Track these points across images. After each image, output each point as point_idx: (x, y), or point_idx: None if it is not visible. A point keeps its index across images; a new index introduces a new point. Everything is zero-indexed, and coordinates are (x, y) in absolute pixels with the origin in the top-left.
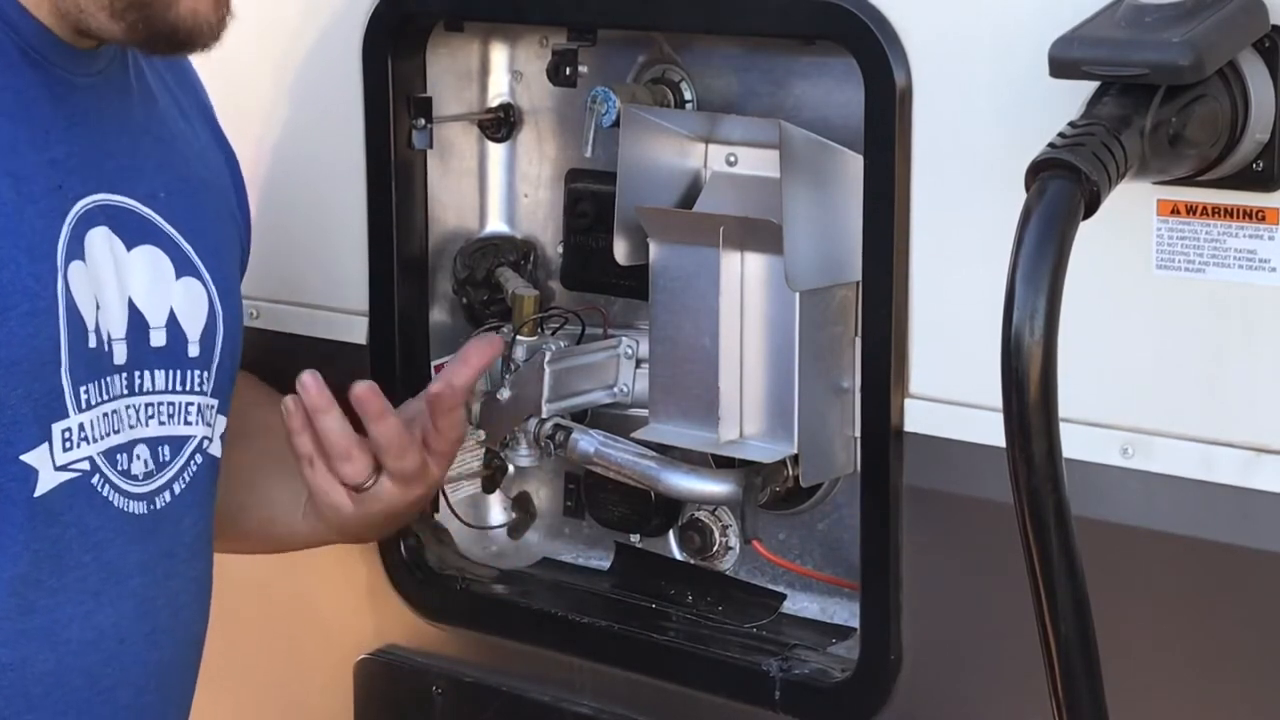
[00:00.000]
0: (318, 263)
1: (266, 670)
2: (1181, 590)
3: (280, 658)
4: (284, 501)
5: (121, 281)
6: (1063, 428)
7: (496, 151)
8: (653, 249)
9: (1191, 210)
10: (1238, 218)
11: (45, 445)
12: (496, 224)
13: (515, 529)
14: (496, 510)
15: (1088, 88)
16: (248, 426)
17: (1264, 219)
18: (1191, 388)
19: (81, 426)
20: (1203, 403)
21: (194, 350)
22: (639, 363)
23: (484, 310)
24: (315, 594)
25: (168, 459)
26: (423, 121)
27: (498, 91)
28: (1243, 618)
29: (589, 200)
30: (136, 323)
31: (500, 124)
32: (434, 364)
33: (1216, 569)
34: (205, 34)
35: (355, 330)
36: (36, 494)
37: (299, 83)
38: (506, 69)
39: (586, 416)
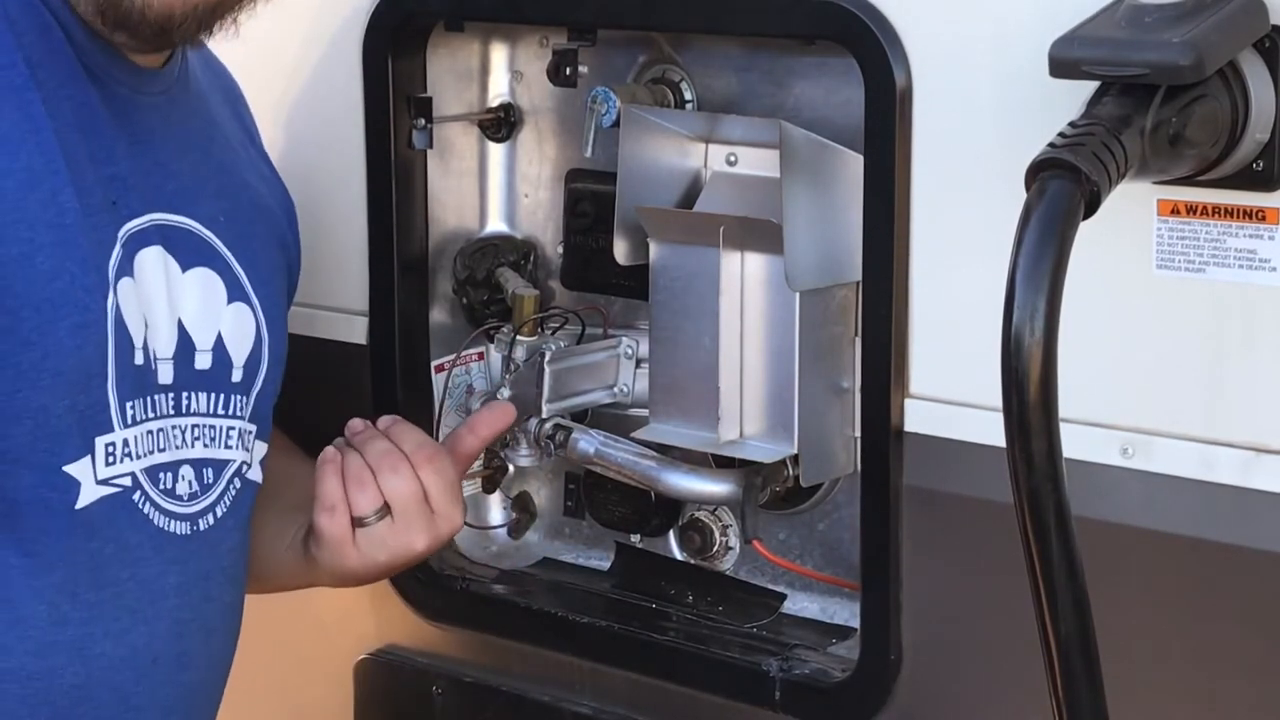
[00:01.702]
0: (318, 263)
1: (266, 670)
2: (1181, 590)
3: (280, 658)
4: (270, 536)
5: (173, 302)
6: (1063, 428)
7: (496, 151)
8: (653, 249)
9: (1191, 210)
10: (1238, 218)
11: (88, 458)
12: (496, 224)
13: (515, 529)
14: (496, 510)
15: (1088, 88)
16: None
17: (1264, 219)
18: (1191, 388)
19: (125, 442)
20: (1203, 403)
21: (237, 375)
22: (639, 363)
23: (484, 310)
24: (315, 594)
25: (211, 481)
26: (423, 121)
27: (498, 91)
28: (1243, 618)
29: (589, 200)
30: (184, 344)
31: (500, 124)
32: (434, 364)
33: (1216, 569)
34: (177, 19)
35: (355, 330)
36: (78, 506)
37: (299, 83)
38: (506, 69)
39: (586, 416)
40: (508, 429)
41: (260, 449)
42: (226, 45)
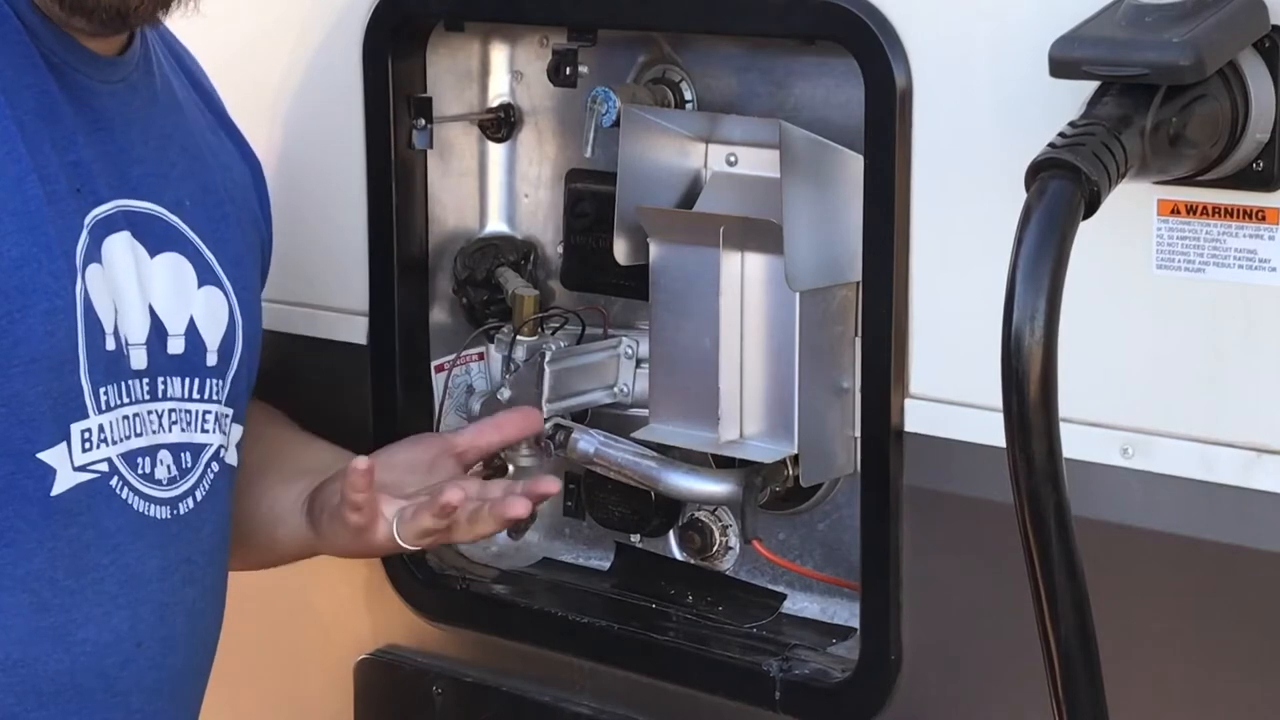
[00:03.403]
0: (318, 263)
1: (266, 670)
2: (1181, 590)
3: (280, 658)
4: (271, 502)
5: (143, 287)
6: (1063, 428)
7: (496, 151)
8: (653, 249)
9: (1191, 210)
10: (1238, 218)
11: (63, 444)
12: (496, 224)
13: (515, 529)
14: None
15: (1088, 88)
16: (246, 435)
17: (1264, 219)
18: (1191, 388)
19: (101, 428)
20: (1203, 403)
21: (211, 359)
22: (639, 363)
23: (484, 310)
24: (315, 594)
25: (189, 466)
26: (423, 121)
27: (498, 91)
28: (1243, 618)
29: (589, 200)
30: (156, 329)
31: (500, 124)
32: (434, 364)
33: (1216, 569)
34: (133, 3)
35: (355, 330)
36: (54, 493)
37: (299, 83)
38: (506, 69)
39: (586, 416)
40: (531, 435)
41: (237, 432)
42: (226, 45)
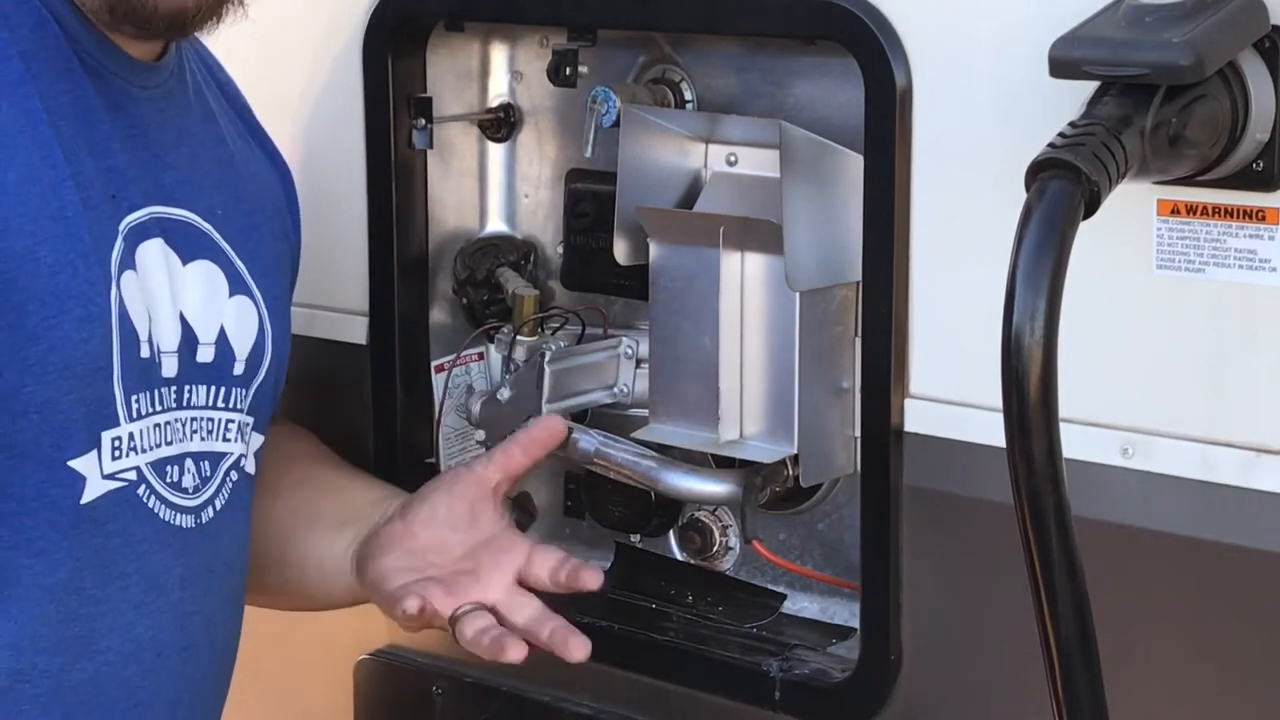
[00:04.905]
0: (318, 263)
1: (266, 670)
2: (1181, 590)
3: (280, 658)
4: (320, 557)
5: (175, 295)
6: (1063, 428)
7: (496, 151)
8: (653, 249)
9: (1191, 210)
10: (1238, 218)
11: (94, 452)
12: (496, 224)
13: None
14: None
15: (1088, 88)
16: (288, 479)
17: (1264, 219)
18: (1191, 388)
19: (131, 436)
20: (1203, 403)
21: (239, 368)
22: (639, 363)
23: (484, 310)
24: None
25: (208, 475)
26: (423, 121)
27: (498, 91)
28: (1243, 618)
29: (589, 200)
30: (187, 337)
31: (500, 124)
32: (434, 364)
33: (1216, 569)
34: (190, 11)
35: (355, 330)
36: (83, 501)
37: (299, 83)
38: (506, 69)
39: (586, 416)
40: (558, 444)
41: (257, 441)
42: (225, 46)
